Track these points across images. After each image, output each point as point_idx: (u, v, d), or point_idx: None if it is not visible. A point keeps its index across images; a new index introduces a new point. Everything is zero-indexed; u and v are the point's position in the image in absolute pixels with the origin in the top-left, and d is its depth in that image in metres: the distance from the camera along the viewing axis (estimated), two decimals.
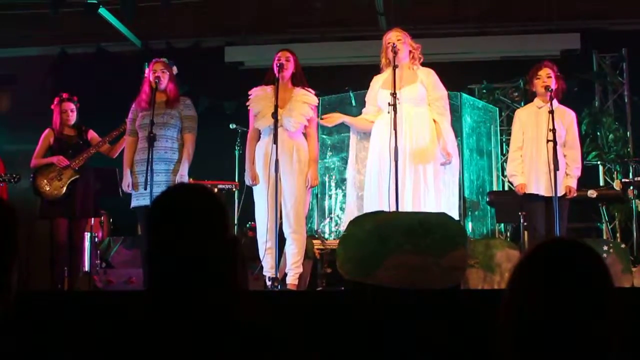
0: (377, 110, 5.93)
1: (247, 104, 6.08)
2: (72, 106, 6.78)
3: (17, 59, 10.56)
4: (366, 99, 6.10)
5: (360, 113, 6.25)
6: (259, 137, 6.02)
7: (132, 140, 6.21)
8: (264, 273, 5.84)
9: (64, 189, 6.58)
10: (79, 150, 6.70)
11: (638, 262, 7.02)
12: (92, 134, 6.86)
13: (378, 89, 5.92)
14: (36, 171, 6.69)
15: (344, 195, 8.47)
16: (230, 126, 8.32)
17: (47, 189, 6.60)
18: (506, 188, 9.44)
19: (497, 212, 8.27)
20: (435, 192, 5.67)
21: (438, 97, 5.85)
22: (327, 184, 8.64)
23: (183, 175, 6.05)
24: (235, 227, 7.82)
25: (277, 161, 5.65)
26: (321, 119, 6.09)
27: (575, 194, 6.02)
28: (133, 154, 6.14)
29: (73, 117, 6.78)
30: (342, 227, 6.22)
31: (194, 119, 6.23)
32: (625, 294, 4.38)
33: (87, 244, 7.59)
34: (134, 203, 6.08)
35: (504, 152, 9.75)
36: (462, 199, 8.17)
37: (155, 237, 1.85)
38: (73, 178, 6.61)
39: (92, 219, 7.44)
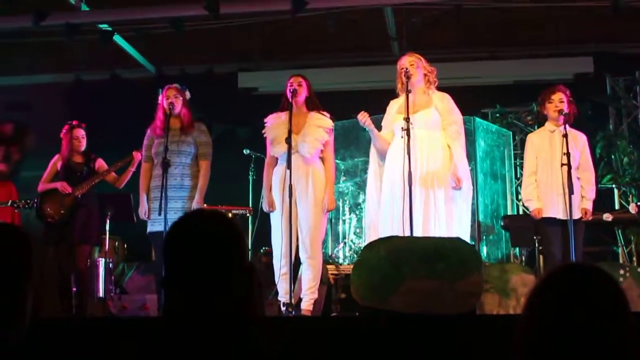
0: (392, 134, 5.88)
1: (263, 132, 6.09)
2: (83, 133, 6.82)
3: (31, 86, 10.66)
4: (382, 124, 6.03)
5: None
6: (277, 163, 6.03)
7: (147, 166, 6.23)
8: (279, 298, 5.82)
9: (64, 213, 6.60)
10: (84, 178, 6.72)
11: None
12: (100, 163, 6.88)
13: (394, 114, 5.89)
14: (41, 195, 6.74)
15: (358, 220, 8.46)
16: (244, 151, 8.32)
17: (48, 212, 6.64)
18: (520, 212, 9.40)
19: (511, 236, 8.22)
20: (446, 216, 5.60)
21: (452, 121, 5.76)
22: (341, 209, 8.61)
23: (199, 202, 6.05)
24: (250, 252, 7.80)
25: (290, 186, 5.64)
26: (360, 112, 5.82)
27: (591, 217, 5.98)
28: (149, 180, 6.16)
29: (84, 144, 6.82)
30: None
31: (209, 145, 6.24)
32: None
33: (101, 269, 7.60)
34: (150, 228, 6.10)
35: (518, 175, 9.73)
36: (477, 223, 8.14)
37: (172, 263, 1.85)
38: (73, 205, 6.63)
39: (107, 244, 7.42)
